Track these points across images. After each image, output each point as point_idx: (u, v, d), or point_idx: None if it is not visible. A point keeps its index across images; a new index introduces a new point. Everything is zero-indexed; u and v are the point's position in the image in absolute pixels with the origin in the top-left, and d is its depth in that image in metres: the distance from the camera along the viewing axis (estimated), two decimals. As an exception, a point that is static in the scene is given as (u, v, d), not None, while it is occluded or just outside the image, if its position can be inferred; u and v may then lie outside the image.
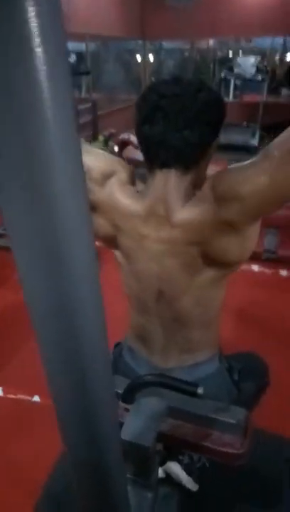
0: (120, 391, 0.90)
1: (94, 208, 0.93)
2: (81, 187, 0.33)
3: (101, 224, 0.95)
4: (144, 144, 0.88)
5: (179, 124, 0.82)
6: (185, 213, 0.85)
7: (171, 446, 1.16)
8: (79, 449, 0.52)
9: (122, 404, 0.91)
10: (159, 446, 1.16)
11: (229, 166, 0.83)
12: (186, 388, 0.85)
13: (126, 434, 0.84)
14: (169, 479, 1.19)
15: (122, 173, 0.93)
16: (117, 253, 1.01)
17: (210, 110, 0.84)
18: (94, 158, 0.95)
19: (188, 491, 1.19)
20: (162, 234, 0.89)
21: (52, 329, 0.39)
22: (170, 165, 0.86)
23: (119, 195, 0.91)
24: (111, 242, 0.98)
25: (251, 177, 0.76)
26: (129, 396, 0.90)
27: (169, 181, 0.87)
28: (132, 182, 0.95)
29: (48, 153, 0.29)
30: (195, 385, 0.85)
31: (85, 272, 0.37)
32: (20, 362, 1.97)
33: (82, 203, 0.34)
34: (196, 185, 0.89)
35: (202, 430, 0.89)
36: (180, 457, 1.19)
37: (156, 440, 0.85)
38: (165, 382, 0.88)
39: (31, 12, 0.25)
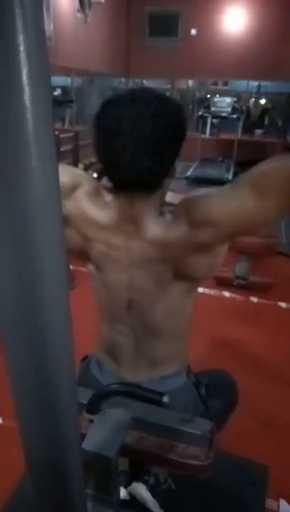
0: (85, 402, 0.88)
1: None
2: (57, 212, 0.37)
3: (71, 236, 0.95)
4: (104, 168, 0.86)
5: (138, 153, 0.78)
6: (158, 231, 0.87)
7: (137, 465, 1.13)
8: (37, 457, 0.51)
9: (87, 416, 0.89)
10: (124, 466, 1.12)
11: (203, 191, 0.88)
12: (151, 397, 0.84)
13: (89, 444, 0.81)
14: (134, 503, 1.15)
15: (87, 185, 0.94)
16: (90, 265, 1.01)
17: (169, 135, 0.81)
18: (60, 172, 0.96)
19: (153, 515, 1.15)
20: (132, 246, 0.90)
21: (19, 337, 0.40)
22: (134, 190, 0.86)
23: (87, 206, 0.92)
24: (82, 254, 0.99)
25: (226, 204, 0.82)
26: (93, 406, 0.88)
27: (135, 203, 0.87)
28: (98, 194, 0.95)
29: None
30: (161, 394, 0.84)
31: (54, 286, 0.38)
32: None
33: (57, 223, 0.38)
34: (162, 200, 0.92)
35: (167, 442, 0.88)
36: (146, 478, 1.15)
37: (119, 451, 0.83)
38: (130, 390, 0.87)
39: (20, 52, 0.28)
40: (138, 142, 0.78)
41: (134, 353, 1.02)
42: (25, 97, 0.30)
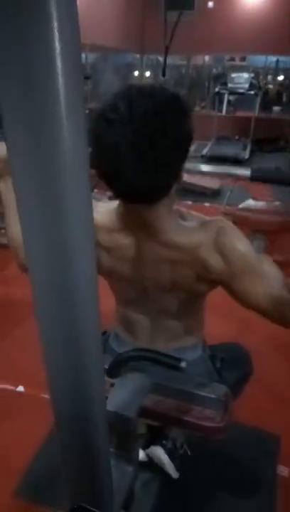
0: (106, 367, 0.93)
1: None
2: (86, 189, 0.39)
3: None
4: (104, 180, 0.79)
5: (138, 174, 0.73)
6: (182, 237, 0.86)
7: (155, 430, 1.18)
8: (66, 415, 0.54)
9: (108, 379, 0.93)
10: (143, 430, 1.18)
11: (240, 236, 0.87)
12: (169, 361, 0.88)
13: (111, 405, 0.86)
14: (151, 465, 1.20)
15: None
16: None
17: (172, 149, 0.73)
18: None
19: (169, 478, 1.21)
20: (144, 246, 0.90)
21: (52, 307, 0.43)
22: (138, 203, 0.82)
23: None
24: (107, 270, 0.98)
25: (249, 267, 0.85)
26: (114, 371, 0.92)
27: (142, 212, 0.84)
28: (97, 205, 0.94)
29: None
30: (178, 359, 0.88)
31: (83, 258, 0.41)
32: (5, 354, 1.98)
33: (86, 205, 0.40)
34: (172, 202, 0.87)
35: (184, 405, 0.92)
36: (164, 442, 1.21)
37: (138, 412, 0.87)
38: (149, 355, 0.91)
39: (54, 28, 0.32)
40: (137, 162, 0.71)
41: (151, 329, 1.05)
42: (56, 54, 0.32)
